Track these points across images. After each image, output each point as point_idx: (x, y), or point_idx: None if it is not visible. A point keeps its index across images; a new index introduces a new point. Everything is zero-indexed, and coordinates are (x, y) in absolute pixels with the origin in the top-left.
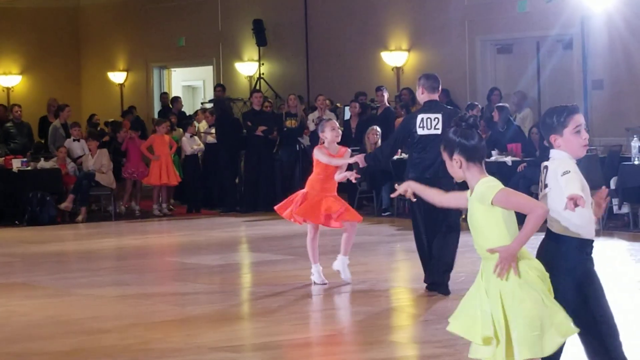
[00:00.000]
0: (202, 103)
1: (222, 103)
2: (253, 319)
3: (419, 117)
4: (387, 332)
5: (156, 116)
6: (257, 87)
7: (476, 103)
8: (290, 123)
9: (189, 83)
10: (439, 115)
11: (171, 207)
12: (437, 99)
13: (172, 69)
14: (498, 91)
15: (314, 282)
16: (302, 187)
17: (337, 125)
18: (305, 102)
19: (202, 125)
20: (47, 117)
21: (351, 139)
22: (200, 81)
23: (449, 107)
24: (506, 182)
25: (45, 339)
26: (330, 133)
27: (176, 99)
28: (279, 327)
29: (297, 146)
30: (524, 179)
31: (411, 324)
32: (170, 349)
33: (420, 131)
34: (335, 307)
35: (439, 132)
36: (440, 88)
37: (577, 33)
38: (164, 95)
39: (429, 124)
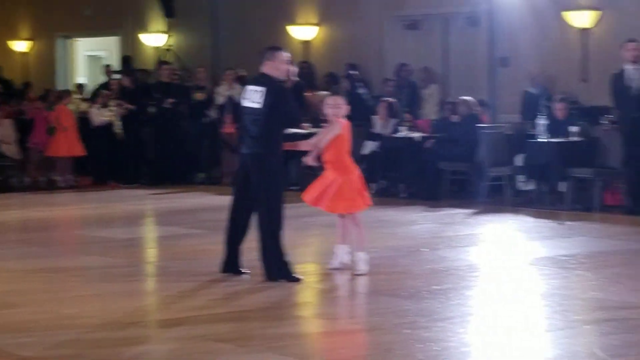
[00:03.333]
0: (113, 72)
1: (133, 74)
2: (165, 294)
3: (246, 88)
4: (297, 308)
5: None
6: (165, 59)
7: (391, 79)
8: (198, 96)
9: (93, 53)
10: (264, 89)
11: (76, 180)
12: (265, 71)
13: (77, 39)
14: (407, 67)
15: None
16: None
17: (337, 101)
18: (213, 75)
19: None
20: None
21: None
22: (104, 51)
23: (277, 81)
24: (414, 157)
25: None
26: (328, 110)
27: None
28: (192, 302)
29: (205, 119)
30: (433, 154)
31: (320, 300)
32: (86, 324)
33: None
34: (246, 282)
35: (260, 105)
36: (266, 61)
37: (485, 11)
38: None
39: (254, 96)
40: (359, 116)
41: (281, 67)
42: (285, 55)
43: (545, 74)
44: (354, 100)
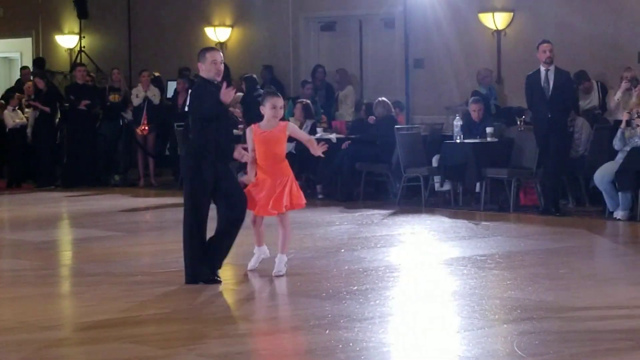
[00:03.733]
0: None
1: (47, 76)
2: (83, 297)
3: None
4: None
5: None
6: (79, 61)
7: (308, 81)
8: (113, 97)
9: (5, 55)
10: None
11: None
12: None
13: None
14: (322, 68)
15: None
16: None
17: (281, 103)
18: (127, 76)
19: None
20: None
21: (178, 115)
22: (17, 53)
23: (196, 82)
24: (331, 158)
25: None
26: (269, 111)
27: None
28: (111, 305)
29: (120, 121)
30: (349, 155)
31: (240, 301)
32: (2, 327)
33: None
34: (168, 285)
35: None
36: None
37: (400, 12)
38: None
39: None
40: (257, 119)
41: (210, 68)
42: (211, 55)
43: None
44: (252, 102)
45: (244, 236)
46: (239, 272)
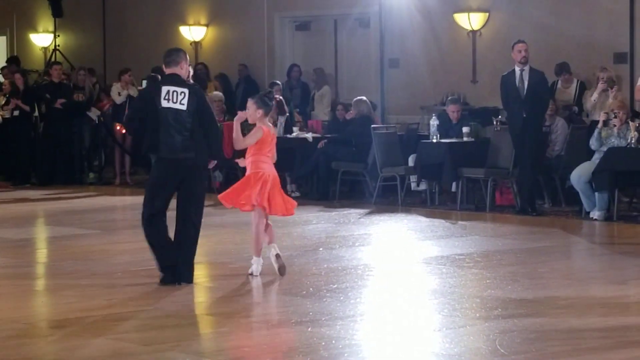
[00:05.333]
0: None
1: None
2: (62, 294)
3: (164, 89)
4: (197, 308)
5: None
6: (53, 59)
7: (277, 82)
8: (77, 96)
9: None
10: (186, 91)
11: None
12: (180, 73)
13: None
14: (298, 68)
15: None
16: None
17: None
18: (100, 75)
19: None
20: None
21: None
22: None
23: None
24: (306, 157)
25: None
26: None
27: None
28: (89, 302)
29: (97, 119)
30: (324, 154)
31: (219, 299)
32: None
33: (165, 103)
34: (148, 283)
35: (184, 107)
36: (181, 62)
37: (375, 12)
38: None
39: (174, 97)
40: None
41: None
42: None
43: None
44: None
45: (222, 234)
46: (218, 270)
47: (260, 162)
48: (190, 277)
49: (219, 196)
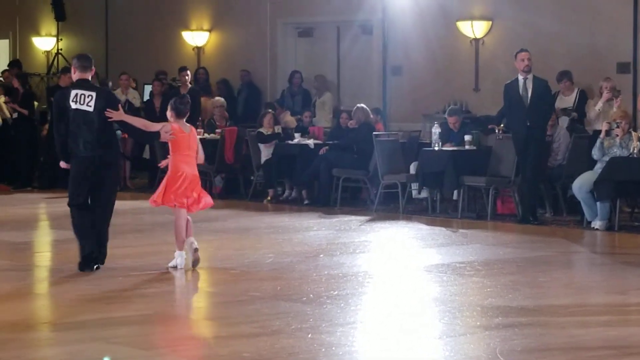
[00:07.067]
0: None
1: (24, 79)
2: (63, 298)
3: (73, 92)
4: (196, 312)
5: None
6: (56, 63)
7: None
8: None
9: None
10: (93, 93)
11: None
12: (89, 78)
13: None
14: (299, 74)
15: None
16: None
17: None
18: (102, 79)
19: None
20: None
21: (155, 117)
22: None
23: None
24: (308, 164)
25: None
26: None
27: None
28: (90, 306)
29: None
30: (326, 161)
31: (218, 304)
32: None
33: (73, 105)
34: (149, 287)
35: (91, 109)
36: (92, 68)
37: (378, 19)
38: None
39: (82, 100)
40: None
41: None
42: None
43: None
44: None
45: (223, 240)
46: (219, 275)
47: (179, 162)
48: (102, 259)
49: (149, 200)
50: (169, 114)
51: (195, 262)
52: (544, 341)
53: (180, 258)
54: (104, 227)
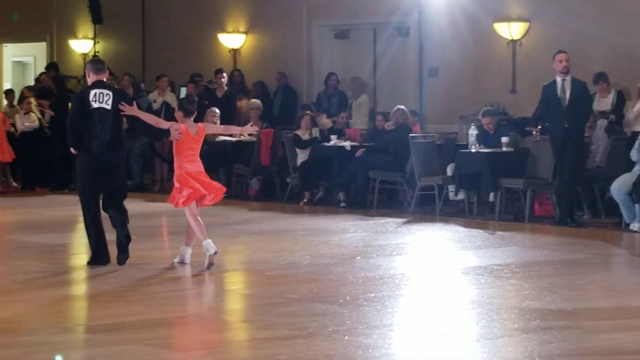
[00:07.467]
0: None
1: (60, 81)
2: (100, 300)
3: (92, 92)
4: (232, 315)
5: None
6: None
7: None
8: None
9: (19, 59)
10: (110, 93)
11: (14, 183)
12: (104, 80)
13: (4, 45)
14: (335, 76)
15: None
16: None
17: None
18: (139, 81)
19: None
20: None
21: None
22: (31, 57)
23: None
24: (345, 166)
25: None
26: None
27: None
28: (127, 308)
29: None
30: (363, 163)
31: (254, 306)
32: (20, 328)
33: (95, 104)
34: (185, 289)
35: (109, 107)
36: (106, 70)
37: (414, 21)
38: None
39: (101, 98)
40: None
41: None
42: None
43: None
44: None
45: (259, 242)
46: (255, 277)
47: (182, 162)
48: (123, 259)
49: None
50: (176, 113)
51: (210, 265)
52: (582, 344)
53: (187, 254)
54: (123, 231)
